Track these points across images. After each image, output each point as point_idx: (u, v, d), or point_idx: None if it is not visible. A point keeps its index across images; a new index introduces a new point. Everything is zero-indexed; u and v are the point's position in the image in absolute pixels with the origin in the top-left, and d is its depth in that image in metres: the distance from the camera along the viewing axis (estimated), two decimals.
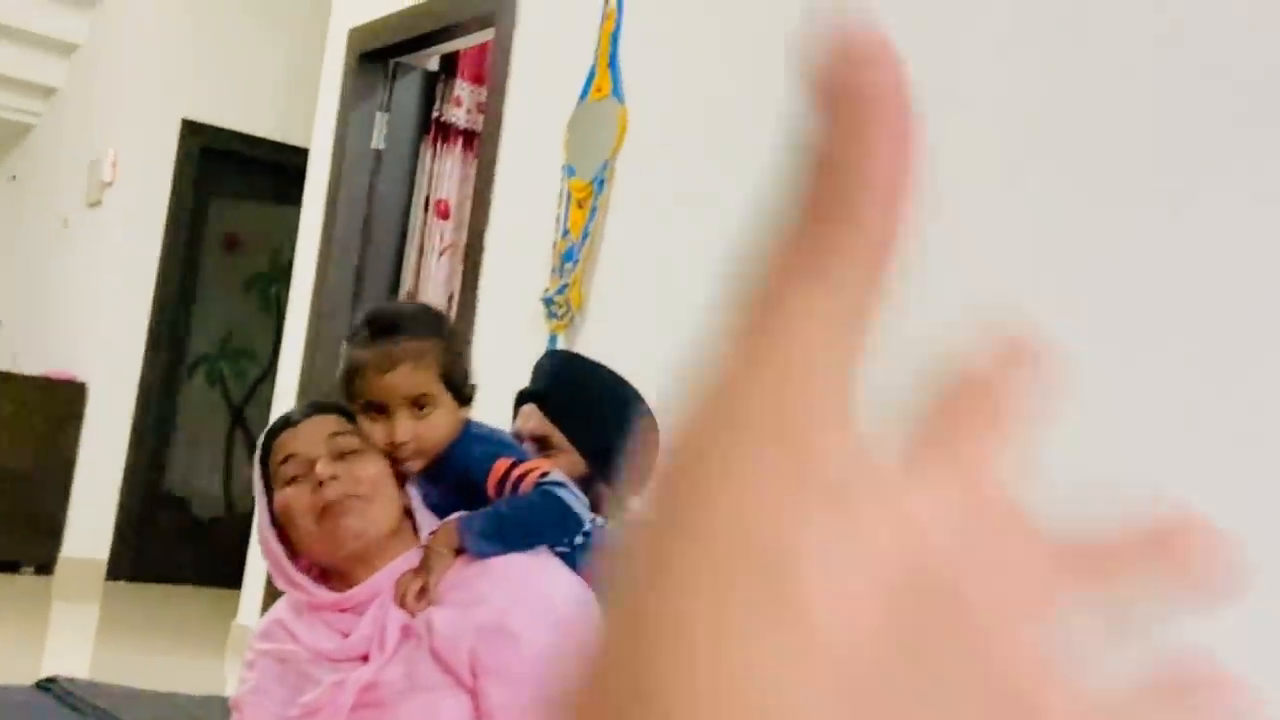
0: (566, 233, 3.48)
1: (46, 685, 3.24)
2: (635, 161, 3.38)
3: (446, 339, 1.68)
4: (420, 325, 1.66)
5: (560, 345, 3.42)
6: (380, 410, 1.63)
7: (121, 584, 6.26)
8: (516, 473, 1.63)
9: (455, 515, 1.62)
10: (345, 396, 1.66)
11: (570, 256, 3.45)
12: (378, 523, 1.59)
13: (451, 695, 1.49)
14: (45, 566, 6.24)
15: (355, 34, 4.69)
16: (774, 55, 3.03)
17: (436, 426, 1.65)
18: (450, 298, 4.67)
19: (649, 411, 2.02)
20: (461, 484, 1.68)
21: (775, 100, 3.01)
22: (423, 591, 1.55)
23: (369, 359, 1.63)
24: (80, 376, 6.36)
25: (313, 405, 1.71)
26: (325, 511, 1.56)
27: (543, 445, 2.00)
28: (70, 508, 6.29)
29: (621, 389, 2.05)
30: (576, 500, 1.64)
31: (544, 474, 1.64)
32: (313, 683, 1.54)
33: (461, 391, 1.67)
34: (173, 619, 5.59)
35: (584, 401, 2.02)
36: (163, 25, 6.45)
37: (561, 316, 3.42)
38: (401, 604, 1.55)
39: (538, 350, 3.53)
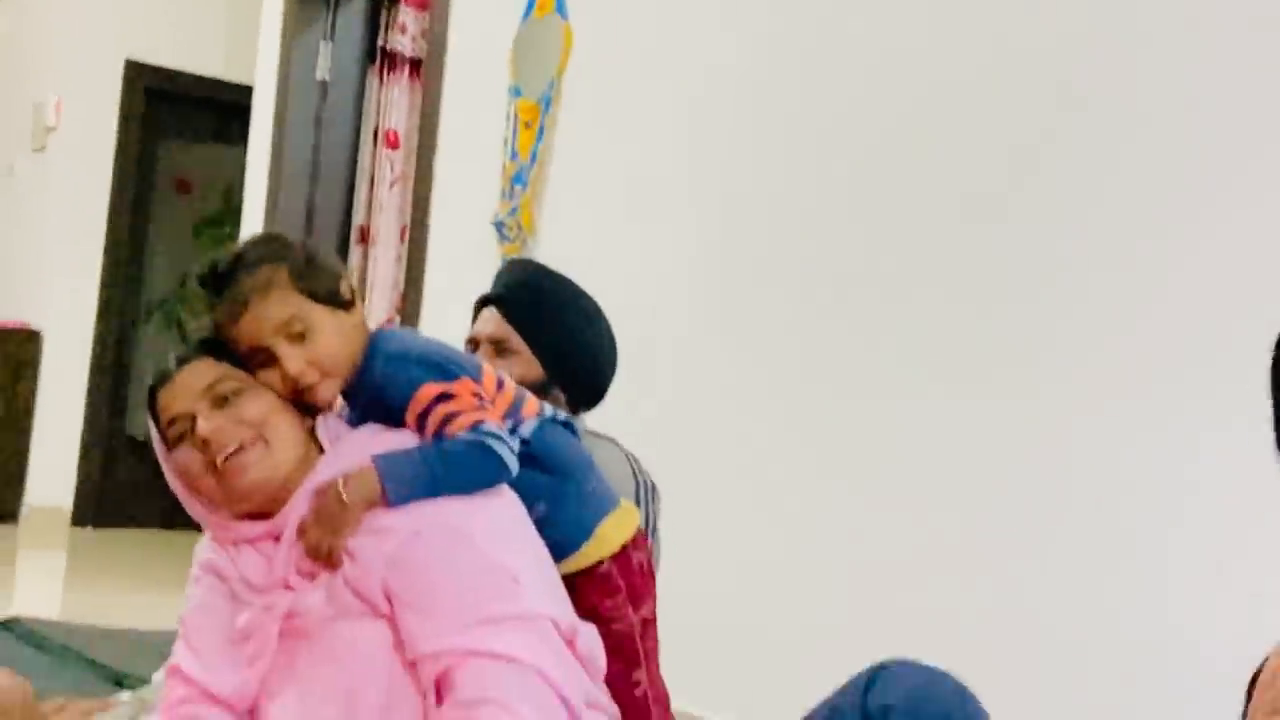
0: (515, 155, 3.46)
1: (9, 625, 3.23)
2: (582, 79, 3.35)
3: (287, 256, 1.55)
4: (252, 257, 1.55)
5: None
6: (265, 357, 1.54)
7: (86, 530, 6.24)
8: (444, 410, 1.52)
9: (369, 458, 1.50)
10: (230, 360, 1.56)
11: (520, 179, 3.42)
12: (280, 464, 1.51)
13: (371, 623, 1.44)
14: (9, 515, 6.20)
15: None
16: None
17: (327, 343, 1.54)
18: (403, 229, 4.64)
19: (607, 326, 2.01)
20: (376, 403, 1.58)
21: (720, 7, 2.99)
22: (330, 554, 1.46)
23: (220, 315, 1.54)
24: (34, 324, 6.29)
25: (184, 354, 1.58)
26: (219, 472, 1.50)
27: (499, 348, 1.97)
28: (31, 456, 6.24)
29: (582, 300, 2.02)
30: (510, 454, 1.53)
31: (477, 423, 1.52)
32: (244, 607, 1.52)
33: (335, 298, 1.56)
34: (138, 562, 5.57)
35: (544, 307, 1.97)
36: None
37: (513, 240, 3.40)
38: (311, 557, 1.48)
39: (489, 276, 3.50)
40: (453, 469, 1.51)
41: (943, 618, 2.39)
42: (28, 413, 6.25)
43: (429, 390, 1.54)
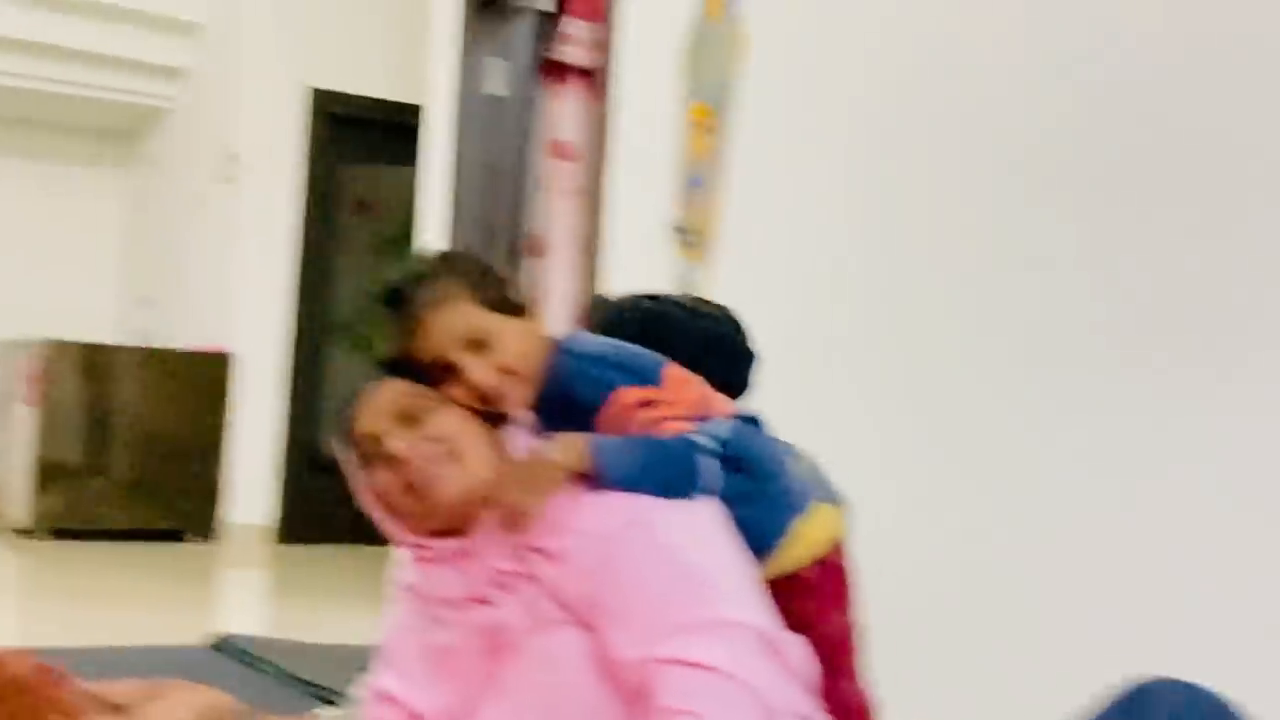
0: (691, 159, 3.42)
1: (220, 645, 3.31)
2: (757, 79, 3.30)
3: (459, 268, 1.55)
4: (428, 269, 1.55)
5: (696, 274, 3.36)
6: (447, 371, 1.52)
7: (283, 547, 6.42)
8: (647, 417, 1.48)
9: (579, 435, 1.46)
10: (416, 378, 1.55)
11: (696, 183, 3.39)
12: (474, 477, 1.49)
13: (570, 631, 1.42)
14: (209, 534, 6.42)
15: None
16: None
17: (508, 350, 1.51)
18: (579, 240, 4.64)
19: (731, 314, 1.88)
20: (565, 407, 1.53)
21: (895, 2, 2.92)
22: (525, 517, 1.44)
23: (401, 333, 1.53)
24: (229, 347, 6.50)
25: (371, 377, 1.58)
26: (415, 490, 1.49)
27: None
28: (229, 476, 6.45)
29: (641, 316, 1.82)
30: (716, 474, 1.48)
31: (679, 433, 1.48)
32: (444, 626, 1.52)
33: (511, 305, 1.54)
34: (336, 577, 5.70)
35: (653, 316, 1.81)
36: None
37: (694, 245, 3.36)
38: (506, 520, 1.45)
39: (672, 283, 3.48)
40: (662, 462, 1.46)
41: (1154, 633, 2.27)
42: (225, 434, 6.46)
43: (629, 395, 1.50)
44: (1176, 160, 2.35)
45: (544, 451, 1.46)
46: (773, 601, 1.50)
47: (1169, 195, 2.37)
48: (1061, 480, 2.49)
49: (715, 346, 1.80)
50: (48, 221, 7.93)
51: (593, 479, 1.45)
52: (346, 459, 1.58)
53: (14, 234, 7.82)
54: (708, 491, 1.49)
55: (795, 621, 1.53)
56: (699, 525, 1.48)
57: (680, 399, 1.56)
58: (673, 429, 1.48)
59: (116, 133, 8.09)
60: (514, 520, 1.45)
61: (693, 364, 1.68)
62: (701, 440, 1.49)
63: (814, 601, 1.59)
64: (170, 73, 7.32)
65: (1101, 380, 2.44)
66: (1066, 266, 2.51)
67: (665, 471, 1.47)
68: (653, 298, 1.86)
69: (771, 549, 1.56)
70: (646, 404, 1.50)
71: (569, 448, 1.46)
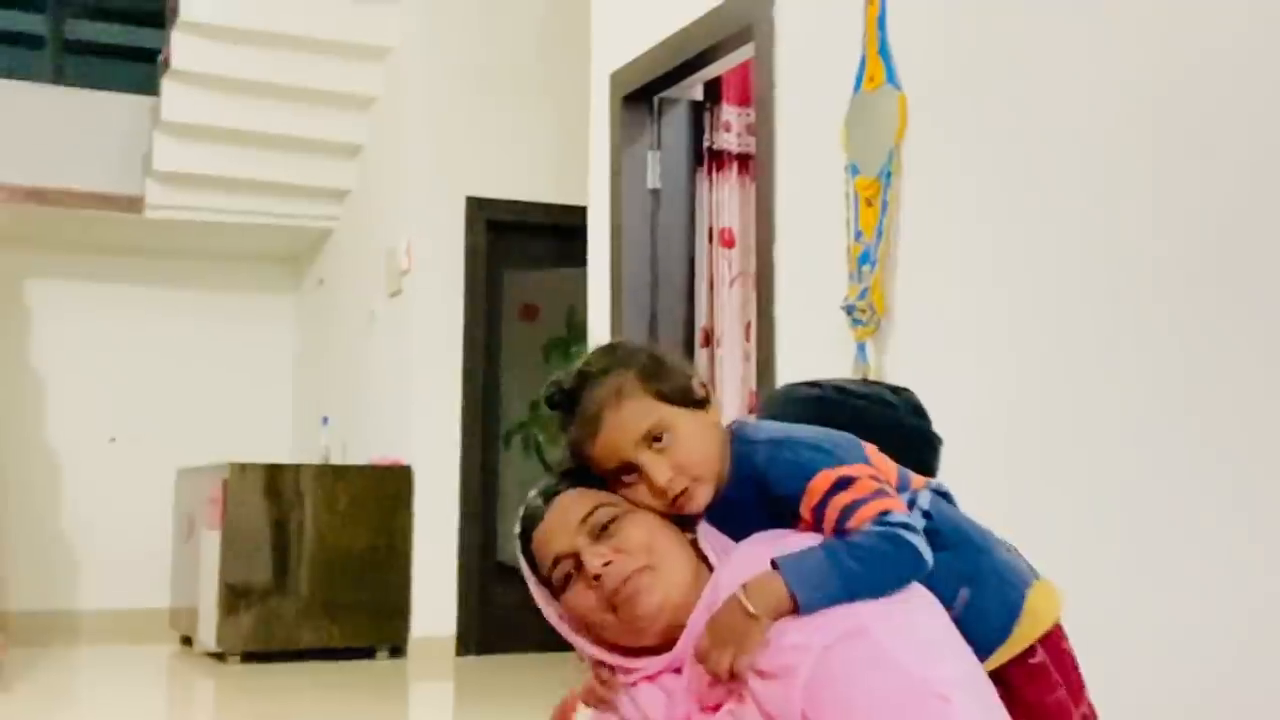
0: (859, 235, 3.29)
1: None
2: (921, 148, 3.17)
3: (633, 362, 1.46)
4: (597, 366, 1.46)
5: (869, 353, 3.22)
6: (627, 472, 1.43)
7: (470, 658, 6.37)
8: (843, 500, 1.36)
9: (766, 570, 1.34)
10: (594, 483, 1.47)
11: (866, 259, 3.26)
12: (674, 586, 1.41)
13: None
14: (398, 649, 6.41)
15: (617, 77, 4.65)
16: (1045, 11, 2.78)
17: (691, 446, 1.43)
18: (748, 326, 4.54)
19: (909, 399, 1.73)
20: (759, 498, 1.44)
21: (1057, 63, 2.77)
22: (735, 674, 1.33)
23: (575, 435, 1.45)
24: (405, 459, 6.54)
25: (549, 488, 1.50)
26: (615, 604, 1.40)
27: None
28: (413, 588, 6.45)
29: (866, 394, 1.72)
30: (924, 545, 1.35)
31: (883, 512, 1.35)
32: None
33: (689, 397, 1.46)
34: (522, 686, 5.62)
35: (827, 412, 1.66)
36: (435, 112, 6.63)
37: (867, 323, 3.22)
38: (715, 679, 1.35)
39: (846, 364, 3.35)
40: (867, 565, 1.32)
41: None
42: (406, 546, 6.48)
43: (825, 478, 1.38)
44: None
45: (741, 600, 1.34)
46: (1002, 695, 1.37)
47: None
48: None
49: (896, 433, 1.66)
50: (226, 349, 8.17)
51: (801, 609, 1.33)
52: (534, 576, 1.50)
53: (194, 363, 8.07)
54: (924, 567, 1.35)
55: (1031, 716, 1.43)
56: (920, 626, 1.34)
57: (881, 469, 1.44)
58: (868, 513, 1.35)
59: (287, 256, 8.32)
60: (724, 679, 1.34)
61: None
62: (898, 516, 1.36)
63: (1050, 693, 1.46)
64: (336, 194, 7.50)
65: None
66: (1252, 350, 2.31)
67: (873, 574, 1.34)
68: (825, 385, 1.74)
69: (1006, 632, 1.44)
70: (840, 485, 1.38)
71: (765, 593, 1.33)
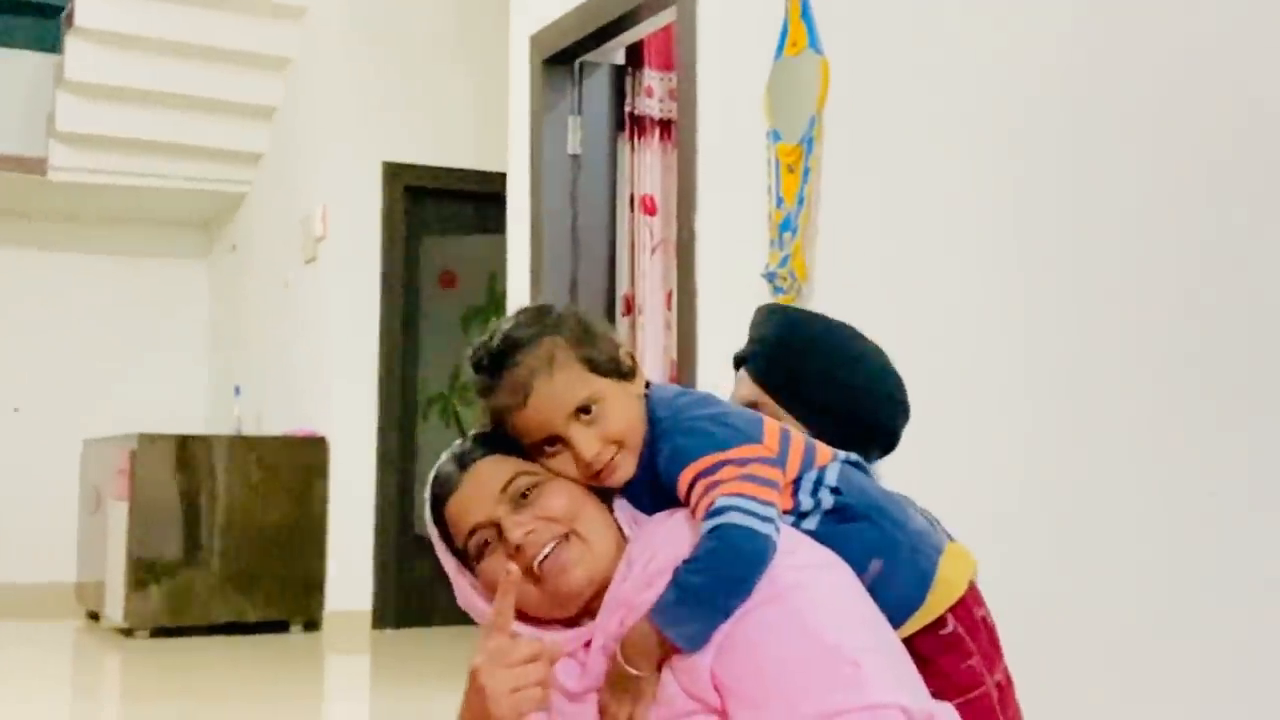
0: (781, 201, 3.23)
1: None
2: (843, 114, 3.11)
3: (563, 325, 1.41)
4: (527, 332, 1.40)
5: None
6: (552, 442, 1.39)
7: (387, 632, 6.28)
8: (694, 497, 1.35)
9: (640, 623, 1.32)
10: (511, 451, 1.42)
11: (788, 226, 3.20)
12: (600, 558, 1.38)
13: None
14: (313, 623, 6.30)
15: (537, 40, 4.55)
16: None
17: (619, 419, 1.39)
18: (669, 294, 4.47)
19: (878, 362, 1.73)
20: (661, 486, 1.42)
21: (972, 25, 2.72)
22: None
23: (500, 402, 1.39)
24: (321, 431, 6.41)
25: (464, 454, 1.43)
26: (539, 576, 1.36)
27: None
28: (328, 562, 6.34)
29: (838, 339, 1.73)
30: (752, 518, 1.31)
31: (710, 503, 1.33)
32: (566, 716, 1.39)
33: (618, 367, 1.42)
34: (441, 660, 5.54)
35: (794, 360, 1.69)
36: (352, 74, 6.48)
37: (788, 290, 3.17)
38: None
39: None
40: (709, 574, 1.30)
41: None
42: (322, 519, 6.36)
43: (690, 472, 1.37)
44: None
45: (622, 665, 1.32)
46: (917, 664, 1.37)
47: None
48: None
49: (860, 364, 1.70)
50: (135, 317, 7.98)
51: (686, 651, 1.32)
52: (445, 545, 1.44)
53: (102, 331, 7.87)
54: (770, 544, 1.32)
55: (945, 684, 1.41)
56: (835, 594, 1.34)
57: (773, 447, 1.41)
58: (711, 499, 1.33)
59: (198, 222, 8.13)
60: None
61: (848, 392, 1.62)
62: (725, 501, 1.32)
63: (963, 660, 1.46)
64: (249, 158, 7.32)
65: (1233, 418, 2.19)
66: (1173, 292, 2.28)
67: (731, 582, 1.31)
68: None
69: (919, 601, 1.43)
70: (703, 475, 1.36)
71: (642, 649, 1.32)
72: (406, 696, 4.91)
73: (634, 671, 1.31)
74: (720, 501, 1.32)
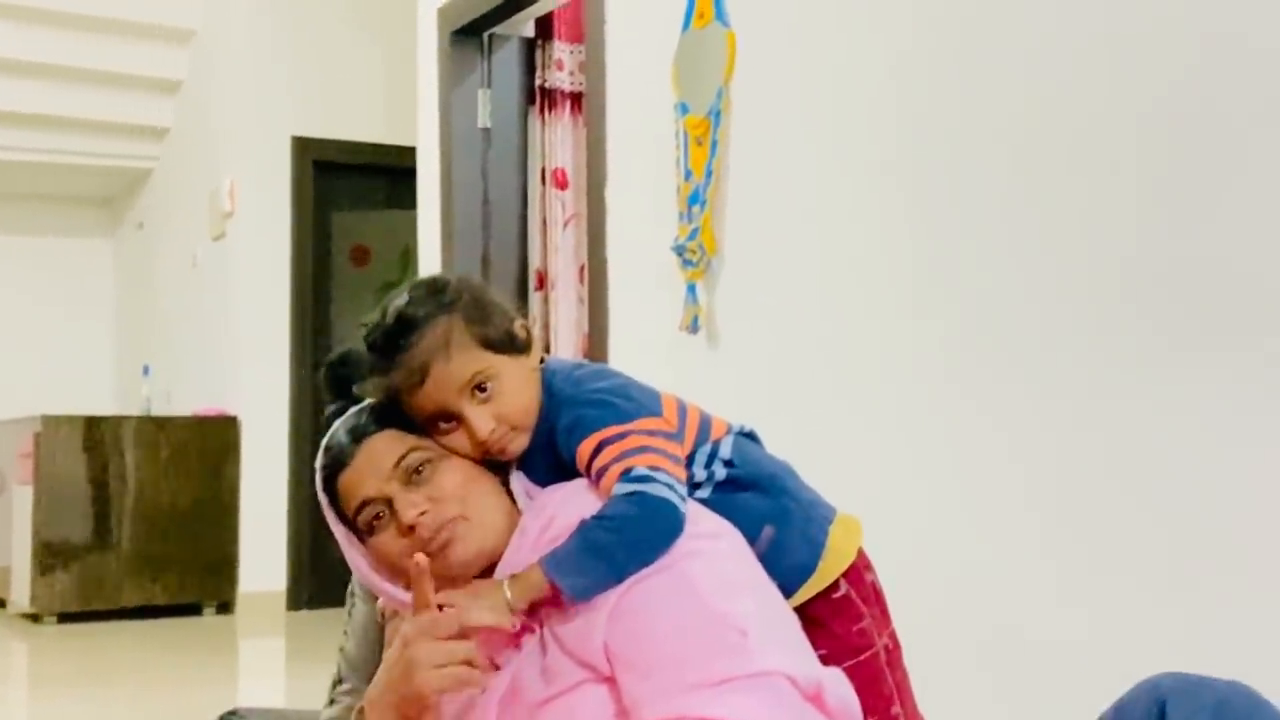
0: (689, 174, 3.22)
1: (228, 717, 3.12)
2: (750, 87, 3.11)
3: (457, 303, 1.40)
4: (422, 309, 1.39)
5: (699, 294, 3.16)
6: (447, 419, 1.39)
7: (302, 613, 6.22)
8: (600, 463, 1.36)
9: (536, 563, 1.33)
10: (404, 426, 1.41)
11: (696, 199, 3.19)
12: (489, 532, 1.38)
13: (592, 689, 1.29)
14: (226, 605, 6.23)
15: (445, 12, 4.49)
16: None
17: (513, 395, 1.39)
18: (582, 268, 4.45)
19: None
20: (558, 459, 1.42)
21: None
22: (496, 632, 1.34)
23: (395, 381, 1.38)
24: (231, 410, 6.32)
25: (357, 427, 1.42)
26: (430, 552, 1.34)
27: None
28: (241, 543, 6.26)
29: None
30: (671, 491, 1.32)
31: (626, 469, 1.34)
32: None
33: (513, 342, 1.41)
34: None
35: None
36: (257, 48, 6.37)
37: (697, 264, 3.16)
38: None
39: (677, 305, 3.29)
40: (620, 533, 1.31)
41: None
42: (234, 500, 6.28)
43: (589, 443, 1.37)
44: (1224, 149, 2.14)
45: (505, 592, 1.33)
46: (808, 629, 1.40)
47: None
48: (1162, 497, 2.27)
49: None
50: (38, 296, 7.81)
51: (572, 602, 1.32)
52: (335, 515, 1.44)
53: (4, 310, 7.69)
54: (681, 519, 1.33)
55: (837, 647, 1.45)
56: (726, 562, 1.35)
57: (671, 419, 1.43)
58: (622, 468, 1.34)
59: (103, 198, 7.97)
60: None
61: None
62: (640, 471, 1.33)
63: (854, 624, 1.48)
64: (154, 133, 7.18)
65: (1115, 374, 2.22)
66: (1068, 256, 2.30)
67: (630, 540, 1.31)
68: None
69: (811, 569, 1.46)
70: (604, 446, 1.37)
71: (525, 586, 1.33)
72: (322, 677, 4.86)
73: (509, 596, 1.31)
74: (640, 470, 1.33)
